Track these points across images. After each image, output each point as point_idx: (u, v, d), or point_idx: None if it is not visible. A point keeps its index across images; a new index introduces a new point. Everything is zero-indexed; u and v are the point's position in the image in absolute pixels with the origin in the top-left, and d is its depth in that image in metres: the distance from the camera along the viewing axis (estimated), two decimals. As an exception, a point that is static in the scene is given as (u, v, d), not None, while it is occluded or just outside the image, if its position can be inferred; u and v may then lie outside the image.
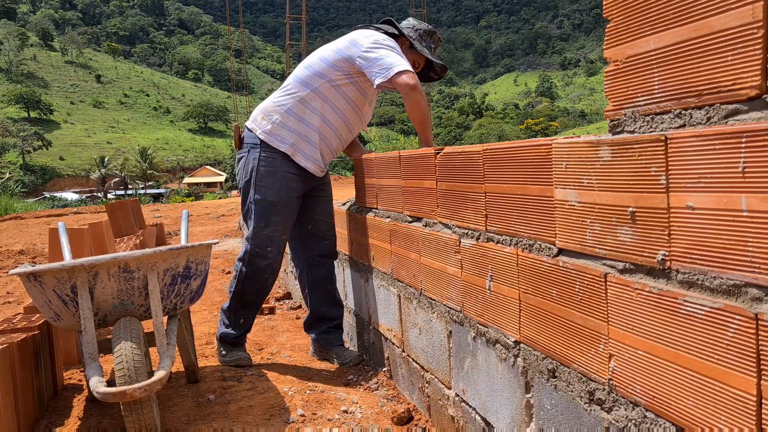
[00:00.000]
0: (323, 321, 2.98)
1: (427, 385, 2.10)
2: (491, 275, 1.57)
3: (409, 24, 2.90)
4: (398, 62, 2.52)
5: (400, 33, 2.82)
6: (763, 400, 0.82)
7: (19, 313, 2.77)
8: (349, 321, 3.11)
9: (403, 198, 2.19)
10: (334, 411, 2.28)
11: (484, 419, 1.68)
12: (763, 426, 0.83)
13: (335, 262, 3.08)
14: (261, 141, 2.73)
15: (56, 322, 2.15)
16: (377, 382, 2.54)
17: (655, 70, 0.98)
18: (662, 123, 0.98)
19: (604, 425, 1.16)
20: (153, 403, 1.96)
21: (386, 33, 2.79)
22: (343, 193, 7.06)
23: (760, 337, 0.82)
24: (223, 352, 2.91)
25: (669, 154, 0.95)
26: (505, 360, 1.53)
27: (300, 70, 2.78)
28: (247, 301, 2.88)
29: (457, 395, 1.85)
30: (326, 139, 2.76)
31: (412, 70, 2.53)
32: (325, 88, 2.70)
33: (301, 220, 2.92)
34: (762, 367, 0.82)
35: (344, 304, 3.15)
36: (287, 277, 4.72)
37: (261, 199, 2.72)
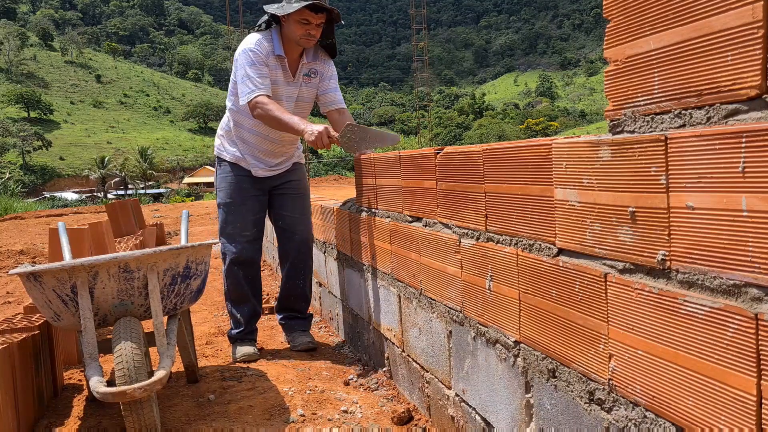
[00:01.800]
0: (288, 310, 3.25)
1: (427, 385, 2.10)
2: (491, 275, 1.57)
3: None
4: (242, 95, 2.80)
5: (271, 17, 2.88)
6: (763, 400, 0.82)
7: (19, 313, 2.77)
8: (348, 321, 3.11)
9: (403, 198, 2.19)
10: (334, 411, 2.28)
11: (484, 419, 1.68)
12: (763, 426, 0.83)
13: (312, 256, 3.26)
14: (217, 156, 3.15)
15: (56, 322, 2.15)
16: (377, 382, 2.54)
17: (655, 70, 0.98)
18: (662, 123, 0.98)
19: (604, 425, 1.16)
20: (153, 403, 1.96)
21: (271, 21, 2.90)
22: (343, 193, 7.06)
23: (760, 337, 0.82)
24: (232, 351, 3.07)
25: (669, 154, 0.95)
26: (505, 360, 1.53)
27: (228, 90, 3.08)
28: (233, 298, 3.12)
29: (457, 395, 1.85)
30: (255, 143, 3.02)
31: (255, 95, 2.75)
32: (238, 103, 2.93)
33: (274, 218, 3.19)
34: (762, 367, 0.82)
35: (346, 303, 3.15)
36: (287, 277, 4.71)
37: (220, 202, 3.08)
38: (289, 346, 3.20)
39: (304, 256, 3.19)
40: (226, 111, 3.11)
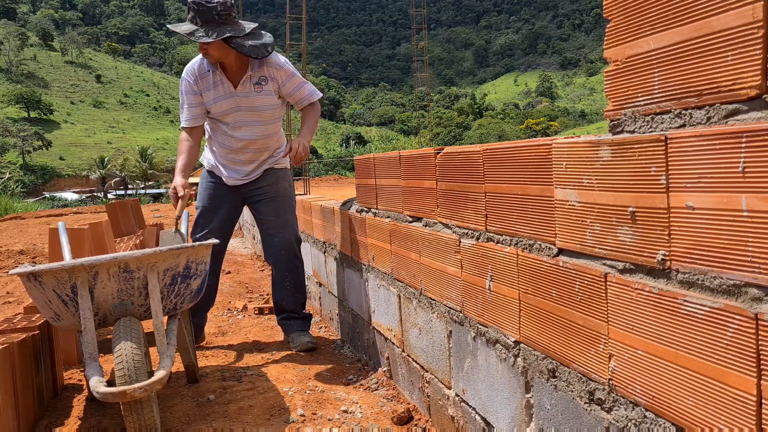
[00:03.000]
0: (282, 311, 3.30)
1: (427, 385, 2.10)
2: (491, 275, 1.57)
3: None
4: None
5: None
6: (763, 400, 0.82)
7: (19, 313, 2.77)
8: (348, 321, 3.11)
9: (403, 198, 2.19)
10: (334, 411, 2.28)
11: (484, 419, 1.68)
12: (763, 426, 0.83)
13: (298, 258, 3.27)
14: (201, 164, 3.30)
15: (56, 322, 2.15)
16: (377, 382, 2.54)
17: (655, 70, 0.98)
18: (662, 123, 0.98)
19: (604, 425, 1.16)
20: (153, 403, 1.96)
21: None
22: (343, 193, 7.06)
23: (760, 337, 0.82)
24: None
25: (669, 154, 0.95)
26: (505, 360, 1.53)
27: None
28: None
29: (457, 395, 1.85)
30: (222, 154, 3.15)
31: (182, 124, 3.05)
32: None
33: (258, 224, 3.30)
34: (762, 367, 0.82)
35: (346, 303, 3.15)
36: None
37: (197, 206, 3.24)
38: (290, 345, 3.22)
39: (287, 257, 3.21)
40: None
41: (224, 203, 3.17)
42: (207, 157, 3.25)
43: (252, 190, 3.19)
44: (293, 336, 3.20)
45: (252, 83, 3.02)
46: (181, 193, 2.83)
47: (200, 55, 2.99)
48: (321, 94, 3.17)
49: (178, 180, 2.89)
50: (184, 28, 2.81)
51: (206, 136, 3.24)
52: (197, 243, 2.27)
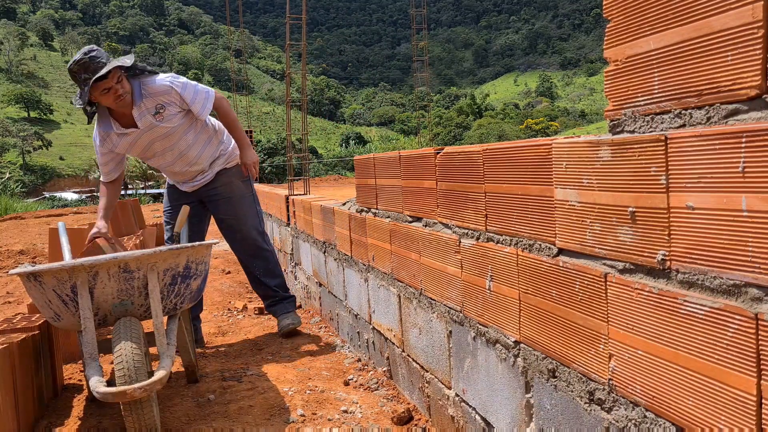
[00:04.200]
0: (264, 297, 3.51)
1: (427, 385, 2.10)
2: (491, 275, 1.57)
3: (74, 82, 2.89)
4: None
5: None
6: (763, 400, 0.82)
7: (19, 313, 2.77)
8: (348, 321, 3.11)
9: (403, 198, 2.19)
10: (334, 411, 2.28)
11: (484, 419, 1.68)
12: (763, 426, 0.83)
13: (262, 248, 3.44)
14: None
15: (56, 322, 2.15)
16: (377, 382, 2.54)
17: (655, 70, 0.98)
18: (662, 123, 0.98)
19: (604, 425, 1.16)
20: (153, 403, 1.96)
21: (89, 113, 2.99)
22: (343, 193, 7.06)
23: (760, 337, 0.82)
24: None
25: (669, 154, 0.95)
26: (505, 360, 1.53)
27: None
28: None
29: (457, 395, 1.85)
30: (166, 174, 3.34)
31: (102, 179, 3.12)
32: None
33: (218, 225, 3.46)
34: (762, 367, 0.82)
35: (346, 303, 3.15)
36: (286, 278, 4.72)
37: (164, 210, 3.47)
38: (286, 342, 3.26)
39: (252, 252, 3.42)
40: None
41: (185, 203, 3.23)
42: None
43: (207, 191, 3.31)
44: (279, 319, 3.42)
45: (150, 114, 2.96)
46: (103, 233, 2.87)
47: (96, 126, 3.01)
48: (213, 92, 3.12)
49: (100, 223, 2.93)
50: (87, 90, 2.75)
51: None
52: (197, 243, 2.27)
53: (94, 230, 2.88)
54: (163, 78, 2.98)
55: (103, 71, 2.70)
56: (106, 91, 2.78)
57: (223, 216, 3.36)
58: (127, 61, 2.83)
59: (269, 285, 3.45)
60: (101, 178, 3.13)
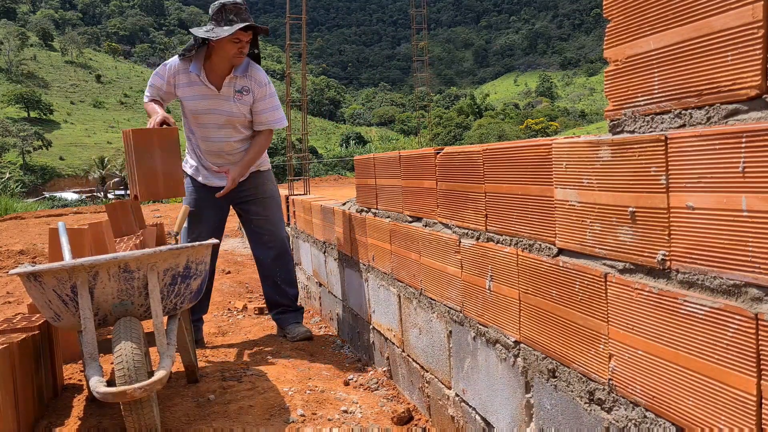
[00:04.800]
0: (275, 305, 3.41)
1: (427, 385, 2.10)
2: (491, 275, 1.57)
3: (211, 12, 3.02)
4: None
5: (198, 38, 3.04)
6: (763, 400, 0.82)
7: (19, 313, 2.77)
8: (348, 321, 3.11)
9: (403, 198, 2.19)
10: (334, 411, 2.28)
11: (484, 419, 1.68)
12: (763, 426, 0.83)
13: (288, 254, 3.41)
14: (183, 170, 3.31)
15: (56, 322, 2.15)
16: (377, 382, 2.54)
17: (655, 70, 0.98)
18: (662, 123, 0.98)
19: (604, 425, 1.16)
20: (153, 403, 1.96)
21: (190, 47, 3.09)
22: (343, 193, 7.06)
23: (760, 337, 0.82)
24: None
25: (669, 154, 0.95)
26: (505, 360, 1.53)
27: None
28: None
29: (457, 395, 1.85)
30: (198, 155, 3.22)
31: (145, 99, 3.10)
32: (183, 115, 3.23)
33: (245, 224, 3.40)
34: (762, 367, 0.82)
35: (346, 303, 3.15)
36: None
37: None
38: (286, 342, 3.25)
39: (278, 254, 3.35)
40: None
41: (210, 207, 3.22)
42: (188, 161, 3.30)
43: (239, 193, 3.26)
44: (289, 328, 3.32)
45: (234, 89, 3.10)
46: (170, 121, 2.83)
47: (172, 59, 3.10)
48: (286, 124, 3.29)
49: (160, 111, 2.92)
50: (226, 28, 2.90)
51: (186, 139, 3.31)
52: (197, 243, 2.27)
53: (159, 116, 2.83)
54: (264, 74, 3.19)
55: (251, 23, 2.90)
56: (238, 41, 2.94)
57: (254, 216, 3.32)
58: (264, 35, 3.07)
59: (288, 293, 3.39)
60: (148, 98, 3.11)
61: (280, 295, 3.37)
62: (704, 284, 0.91)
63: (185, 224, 3.18)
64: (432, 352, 2.03)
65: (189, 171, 3.29)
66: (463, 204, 1.70)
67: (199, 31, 2.97)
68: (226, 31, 2.88)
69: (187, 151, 3.35)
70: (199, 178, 3.23)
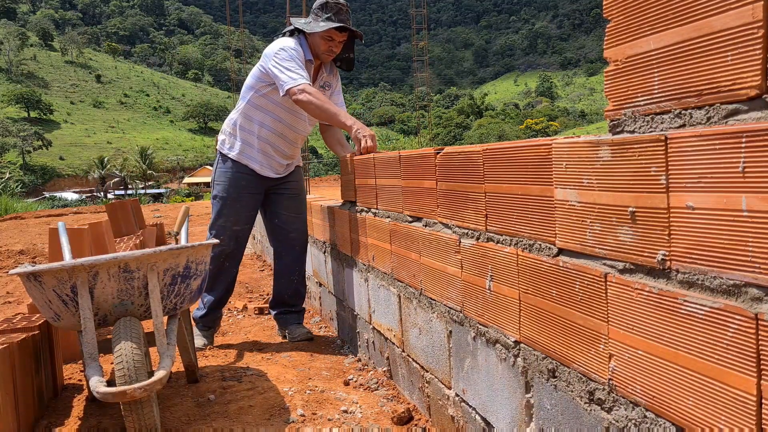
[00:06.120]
0: (283, 305, 3.39)
1: (427, 385, 2.10)
2: (491, 275, 1.57)
3: (314, 8, 3.05)
4: (287, 80, 2.85)
5: (296, 29, 3.06)
6: (763, 400, 0.82)
7: (19, 313, 2.77)
8: (348, 321, 3.11)
9: (403, 198, 2.19)
10: (334, 411, 2.28)
11: (484, 419, 1.68)
12: (763, 426, 0.83)
13: (306, 254, 3.43)
14: (219, 152, 3.25)
15: (56, 322, 2.15)
16: (377, 382, 2.54)
17: (655, 70, 0.98)
18: (662, 123, 0.98)
19: (604, 425, 1.16)
20: (153, 403, 1.96)
21: (296, 31, 3.08)
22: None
23: (760, 337, 0.82)
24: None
25: (669, 154, 0.95)
26: (505, 360, 1.53)
27: (243, 88, 3.24)
28: (209, 286, 3.24)
29: (457, 395, 1.85)
30: (268, 141, 3.15)
31: (299, 82, 2.82)
32: (256, 98, 3.11)
33: (270, 216, 3.33)
34: (762, 367, 0.82)
35: (346, 303, 3.15)
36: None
37: (216, 195, 3.21)
38: (286, 342, 3.27)
39: (298, 254, 3.36)
40: (238, 109, 3.21)
41: (250, 194, 3.19)
42: (236, 147, 3.16)
43: (278, 184, 3.28)
44: (290, 329, 3.32)
45: (319, 85, 3.15)
46: (375, 140, 2.71)
47: (294, 40, 3.01)
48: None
49: (364, 126, 2.76)
50: (322, 24, 2.94)
51: (234, 125, 3.19)
52: (197, 243, 2.27)
53: (369, 130, 2.75)
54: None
55: (347, 26, 2.95)
56: (330, 39, 2.99)
57: (284, 211, 3.29)
58: (358, 40, 3.13)
59: (302, 294, 3.39)
60: (308, 81, 2.89)
61: (292, 294, 3.36)
62: (704, 284, 0.91)
63: (215, 210, 3.19)
64: (432, 352, 2.03)
65: (233, 155, 3.15)
66: (463, 204, 1.70)
67: (298, 22, 3.02)
68: (321, 27, 2.94)
69: (235, 135, 3.18)
70: (255, 166, 3.14)
